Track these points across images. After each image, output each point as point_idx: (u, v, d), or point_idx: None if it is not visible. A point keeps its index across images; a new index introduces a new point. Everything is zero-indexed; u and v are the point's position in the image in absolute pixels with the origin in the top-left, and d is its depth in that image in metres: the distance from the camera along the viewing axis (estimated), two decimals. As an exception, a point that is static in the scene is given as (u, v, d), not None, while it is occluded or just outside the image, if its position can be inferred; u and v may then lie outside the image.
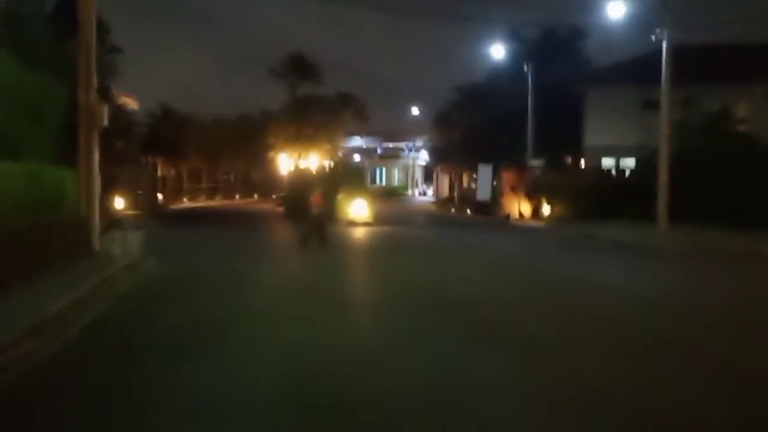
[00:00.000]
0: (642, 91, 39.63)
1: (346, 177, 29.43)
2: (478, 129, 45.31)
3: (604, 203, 31.57)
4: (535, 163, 34.88)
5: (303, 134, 58.73)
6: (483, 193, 41.72)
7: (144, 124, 63.42)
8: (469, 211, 43.45)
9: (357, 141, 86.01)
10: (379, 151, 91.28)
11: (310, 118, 59.23)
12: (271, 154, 62.71)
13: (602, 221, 28.81)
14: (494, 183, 41.91)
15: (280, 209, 44.89)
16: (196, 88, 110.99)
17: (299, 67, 58.51)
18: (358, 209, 28.58)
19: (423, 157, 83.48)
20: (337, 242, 21.56)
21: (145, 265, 14.84)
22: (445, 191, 60.03)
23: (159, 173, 69.30)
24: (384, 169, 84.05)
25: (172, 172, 70.15)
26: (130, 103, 52.63)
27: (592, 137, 41.33)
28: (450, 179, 59.35)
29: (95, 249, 14.67)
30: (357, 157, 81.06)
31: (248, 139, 72.34)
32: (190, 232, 28.14)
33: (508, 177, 33.76)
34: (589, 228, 27.08)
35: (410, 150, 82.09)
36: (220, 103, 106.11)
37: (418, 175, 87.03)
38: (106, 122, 14.68)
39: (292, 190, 40.29)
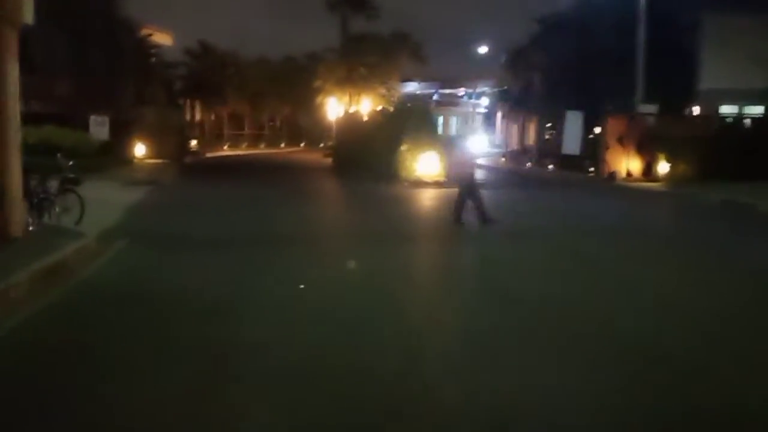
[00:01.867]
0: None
1: (412, 122, 22.85)
2: (564, 68, 37.91)
3: (736, 160, 24.51)
4: (647, 109, 27.74)
5: (355, 76, 52.09)
6: (571, 146, 34.66)
7: (181, 63, 57.80)
8: (551, 167, 36.52)
9: (412, 86, 78.47)
10: (435, 97, 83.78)
11: (363, 59, 52.44)
12: (319, 98, 56.23)
13: (736, 183, 22.00)
14: (588, 133, 34.87)
15: (329, 160, 38.76)
16: (239, 26, 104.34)
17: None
18: (428, 164, 22.13)
19: (485, 104, 75.52)
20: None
21: (95, 261, 8.81)
22: (515, 142, 52.96)
23: (197, 117, 63.98)
24: (441, 118, 76.80)
25: (212, 116, 64.49)
26: (163, 39, 46.74)
27: (707, 79, 33.70)
28: (521, 128, 52.26)
29: (12, 232, 8.61)
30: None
31: (295, 83, 66.16)
32: (217, 189, 22.22)
33: (614, 126, 26.74)
34: (730, 192, 20.21)
35: (471, 96, 74.49)
36: (266, 43, 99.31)
37: (478, 124, 79.65)
38: (30, 17, 8.48)
39: (342, 139, 34.03)
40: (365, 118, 31.29)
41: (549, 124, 46.06)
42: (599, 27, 36.43)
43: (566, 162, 34.69)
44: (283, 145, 70.17)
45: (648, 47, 35.11)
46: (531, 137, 46.86)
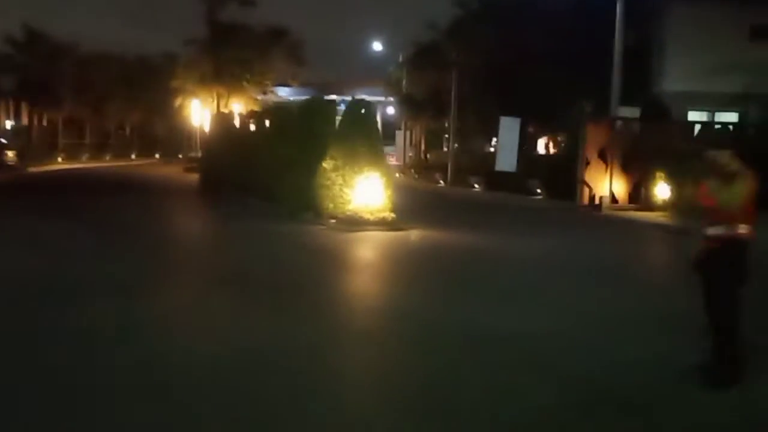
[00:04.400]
0: (752, 13, 26.67)
1: (344, 127, 14.57)
2: (494, 67, 31.12)
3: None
4: (627, 113, 21.18)
5: (224, 73, 43.00)
6: (506, 161, 27.66)
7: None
8: (477, 187, 29.50)
9: (287, 92, 69.04)
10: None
11: (235, 53, 43.47)
12: (179, 100, 46.56)
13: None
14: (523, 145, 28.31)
15: (193, 176, 29.59)
16: (80, 17, 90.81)
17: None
18: (368, 193, 13.92)
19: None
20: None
21: None
22: (416, 155, 45.77)
23: (22, 122, 52.09)
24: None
25: (43, 122, 52.78)
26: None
27: (671, 81, 27.95)
28: (420, 139, 45.21)
29: None
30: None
31: (148, 85, 55.89)
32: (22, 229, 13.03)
33: (595, 135, 19.82)
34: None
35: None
36: (113, 39, 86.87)
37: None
38: None
39: (214, 149, 25.15)
40: (251, 121, 22.63)
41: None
42: (542, 17, 30.05)
43: (499, 181, 27.75)
44: (133, 156, 59.37)
45: (595, 43, 28.92)
46: (444, 149, 39.94)
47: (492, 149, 40.39)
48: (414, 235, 13.26)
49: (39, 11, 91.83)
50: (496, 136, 34.18)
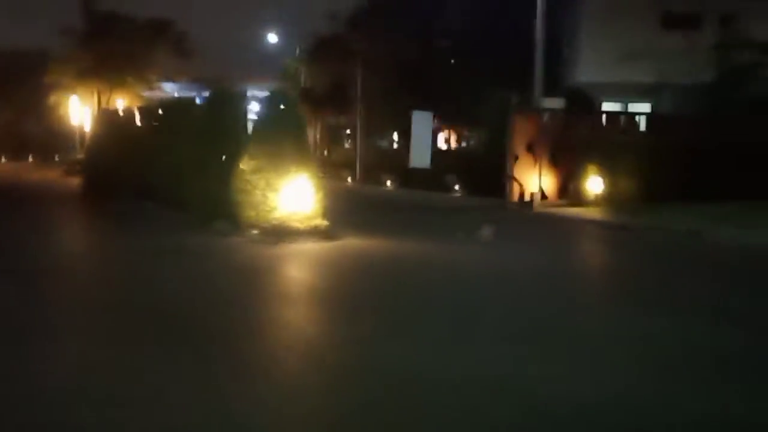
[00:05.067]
0: (664, 1, 26.70)
1: (264, 123, 12.54)
2: (397, 56, 29.79)
3: (686, 173, 17.90)
4: (552, 104, 20.19)
5: (105, 68, 39.42)
6: (420, 157, 26.34)
7: None
8: (390, 184, 28.05)
9: (172, 87, 65.20)
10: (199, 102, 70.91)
11: (116, 46, 39.99)
12: (54, 97, 42.46)
13: (694, 205, 15.75)
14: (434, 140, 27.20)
15: (75, 181, 26.46)
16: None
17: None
18: (296, 198, 11.98)
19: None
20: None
21: None
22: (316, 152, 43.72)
23: None
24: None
25: None
26: None
27: (584, 71, 27.55)
28: (326, 135, 43.20)
29: None
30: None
31: (18, 82, 51.05)
32: None
33: (523, 128, 18.65)
34: (708, 222, 13.74)
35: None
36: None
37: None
38: None
39: (100, 150, 22.33)
40: (141, 117, 20.03)
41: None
42: (450, 4, 29.09)
43: (412, 178, 26.40)
44: (3, 159, 54.06)
45: (497, 32, 28.33)
46: (346, 146, 38.19)
47: (395, 145, 39.12)
48: (349, 246, 11.46)
49: None
50: (402, 131, 32.91)
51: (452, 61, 29.96)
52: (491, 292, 8.34)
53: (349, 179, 32.32)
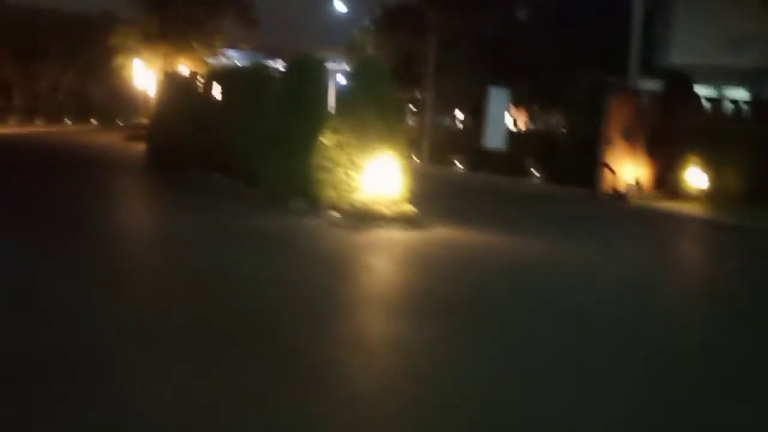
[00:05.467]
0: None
1: (354, 95, 11.27)
2: (474, 29, 28.26)
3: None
4: (649, 85, 18.55)
5: (171, 31, 38.78)
6: (495, 137, 24.84)
7: None
8: (460, 166, 26.67)
9: (234, 56, 64.47)
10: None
11: (183, 10, 39.31)
12: (120, 59, 42.05)
13: None
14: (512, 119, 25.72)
15: (139, 147, 25.84)
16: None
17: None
18: (383, 179, 10.78)
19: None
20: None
21: None
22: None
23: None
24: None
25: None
26: None
27: (674, 52, 25.50)
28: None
29: None
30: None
31: (85, 44, 50.93)
32: None
33: (619, 111, 17.09)
34: None
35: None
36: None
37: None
38: None
39: (166, 115, 21.49)
40: (210, 83, 19.08)
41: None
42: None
43: (484, 160, 24.96)
44: (68, 121, 54.33)
45: (584, 9, 26.49)
46: (410, 123, 36.77)
47: (460, 124, 37.57)
48: (442, 237, 10.24)
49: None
50: (472, 109, 31.39)
51: (532, 35, 28.17)
52: (626, 307, 7.06)
53: (415, 158, 31.00)
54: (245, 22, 52.30)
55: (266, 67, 15.66)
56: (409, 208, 10.61)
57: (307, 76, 12.79)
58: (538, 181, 22.00)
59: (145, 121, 44.05)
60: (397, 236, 9.89)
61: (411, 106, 44.02)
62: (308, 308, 6.24)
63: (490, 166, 24.32)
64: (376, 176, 10.59)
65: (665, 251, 11.02)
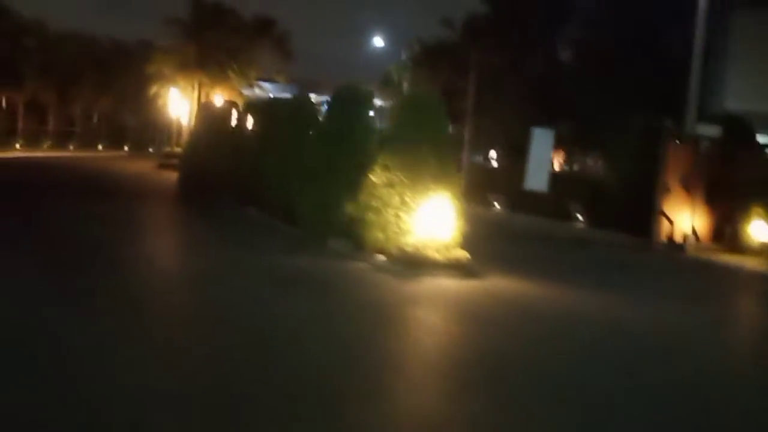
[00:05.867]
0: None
1: (400, 129, 10.38)
2: (517, 67, 27.61)
3: None
4: (708, 131, 17.61)
5: (209, 60, 38.71)
6: (537, 179, 23.88)
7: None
8: (497, 207, 25.74)
9: (268, 87, 64.62)
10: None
11: (221, 39, 39.31)
12: (155, 88, 42.09)
13: None
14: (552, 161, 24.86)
15: (171, 175, 25.37)
16: None
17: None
18: (435, 221, 9.87)
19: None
20: None
21: None
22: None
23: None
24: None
25: (2, 103, 47.84)
26: None
27: (731, 98, 24.53)
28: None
29: None
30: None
31: (120, 71, 51.33)
32: None
33: (676, 158, 16.18)
34: None
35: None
36: (84, 24, 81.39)
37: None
38: None
39: (200, 144, 20.98)
40: (246, 114, 18.51)
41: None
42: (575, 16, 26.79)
43: (524, 201, 24.02)
44: (100, 147, 54.51)
45: (642, 46, 25.78)
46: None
47: (495, 163, 36.75)
48: (499, 289, 9.32)
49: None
50: (510, 148, 30.60)
51: (576, 76, 27.46)
52: (721, 381, 6.07)
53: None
54: (281, 53, 52.46)
55: (308, 98, 14.95)
56: (462, 255, 9.72)
57: (353, 109, 12.08)
58: (582, 225, 21.04)
59: (177, 149, 43.93)
60: (451, 286, 9.00)
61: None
62: (361, 375, 5.35)
63: (531, 207, 23.38)
64: (429, 218, 9.75)
65: (737, 311, 10.00)
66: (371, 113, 12.56)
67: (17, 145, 41.86)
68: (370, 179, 10.11)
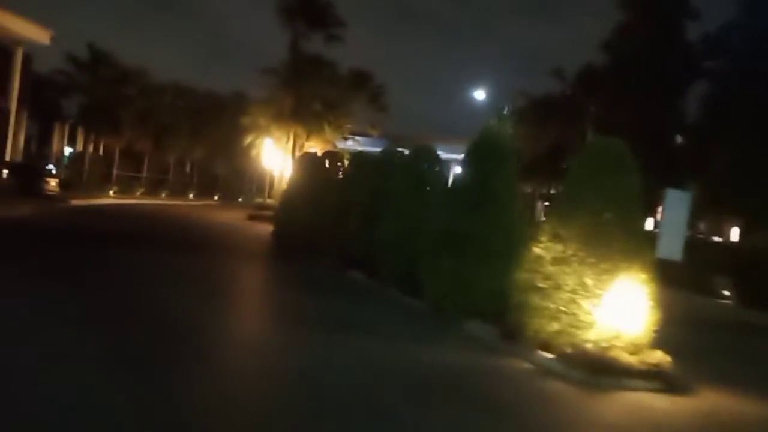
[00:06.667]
0: None
1: (584, 187, 8.00)
2: (643, 122, 25.10)
3: None
4: None
5: (305, 111, 37.56)
6: (670, 246, 20.90)
7: (60, 72, 41.86)
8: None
9: (362, 141, 63.36)
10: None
11: (318, 90, 38.24)
12: (250, 138, 41.29)
13: None
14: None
15: (264, 228, 23.79)
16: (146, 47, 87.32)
17: (310, 6, 37.24)
18: (621, 310, 7.44)
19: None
20: None
21: None
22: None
23: (75, 147, 47.70)
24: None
25: (99, 149, 48.22)
26: (33, 33, 31.63)
27: None
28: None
29: None
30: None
31: (215, 121, 51.34)
32: None
33: None
34: None
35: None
36: (181, 75, 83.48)
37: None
38: None
39: (301, 197, 19.20)
40: (355, 165, 16.64)
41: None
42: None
43: (657, 271, 20.98)
44: (191, 196, 54.28)
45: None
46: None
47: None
48: (722, 414, 6.71)
49: (105, 36, 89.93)
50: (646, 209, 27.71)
51: (706, 133, 24.69)
52: None
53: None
54: (375, 107, 51.31)
55: (431, 150, 12.86)
56: (661, 358, 7.23)
57: (495, 162, 9.86)
58: (729, 302, 18.09)
59: (268, 200, 42.88)
60: (658, 407, 6.48)
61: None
62: None
63: (662, 278, 20.43)
64: (616, 307, 7.33)
65: None
66: (516, 166, 10.26)
67: (111, 192, 41.64)
68: (535, 252, 7.76)
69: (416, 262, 10.61)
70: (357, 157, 17.35)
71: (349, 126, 43.96)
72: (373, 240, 12.88)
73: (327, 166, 17.95)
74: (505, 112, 38.79)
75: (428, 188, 11.75)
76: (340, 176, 17.45)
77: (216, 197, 58.21)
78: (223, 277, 13.02)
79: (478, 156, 10.22)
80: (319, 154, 21.50)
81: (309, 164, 19.18)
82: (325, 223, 16.42)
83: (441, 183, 12.14)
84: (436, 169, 12.41)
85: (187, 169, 59.29)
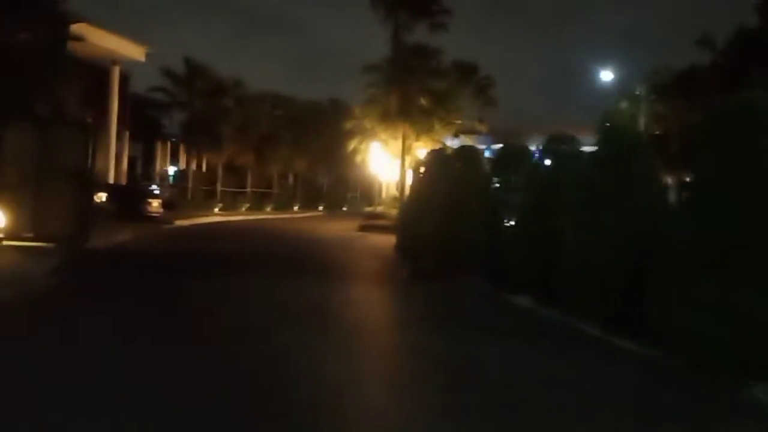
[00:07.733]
0: None
1: None
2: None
3: None
4: None
5: (413, 108, 34.61)
6: None
7: (156, 89, 40.73)
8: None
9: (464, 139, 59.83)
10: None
11: (425, 83, 35.29)
12: (355, 142, 38.81)
13: None
14: None
15: (378, 238, 20.94)
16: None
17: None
18: None
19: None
20: None
21: None
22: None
23: (178, 165, 46.83)
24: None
25: (202, 166, 47.14)
26: (129, 50, 30.48)
27: None
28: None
29: None
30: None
31: (315, 131, 49.41)
32: None
33: None
34: None
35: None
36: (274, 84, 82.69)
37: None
38: None
39: (422, 203, 16.12)
40: (499, 166, 13.47)
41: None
42: None
43: None
44: (296, 208, 52.47)
45: None
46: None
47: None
48: None
49: (200, 51, 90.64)
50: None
51: None
52: None
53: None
54: (483, 101, 48.08)
55: (641, 141, 9.51)
56: None
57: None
58: None
59: (378, 209, 40.24)
60: None
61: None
62: None
63: None
64: None
65: None
66: None
67: (216, 209, 40.11)
68: None
69: (634, 286, 7.31)
70: (508, 151, 14.12)
71: (459, 122, 40.88)
72: (548, 254, 9.64)
73: (469, 164, 14.77)
74: (637, 93, 34.51)
75: (643, 186, 8.39)
76: (481, 177, 14.26)
77: (320, 208, 56.38)
78: (352, 316, 10.00)
79: (737, 135, 6.81)
80: (448, 152, 18.41)
81: (438, 164, 16.07)
82: (465, 234, 13.30)
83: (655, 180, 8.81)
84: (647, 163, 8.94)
85: (290, 180, 57.69)
